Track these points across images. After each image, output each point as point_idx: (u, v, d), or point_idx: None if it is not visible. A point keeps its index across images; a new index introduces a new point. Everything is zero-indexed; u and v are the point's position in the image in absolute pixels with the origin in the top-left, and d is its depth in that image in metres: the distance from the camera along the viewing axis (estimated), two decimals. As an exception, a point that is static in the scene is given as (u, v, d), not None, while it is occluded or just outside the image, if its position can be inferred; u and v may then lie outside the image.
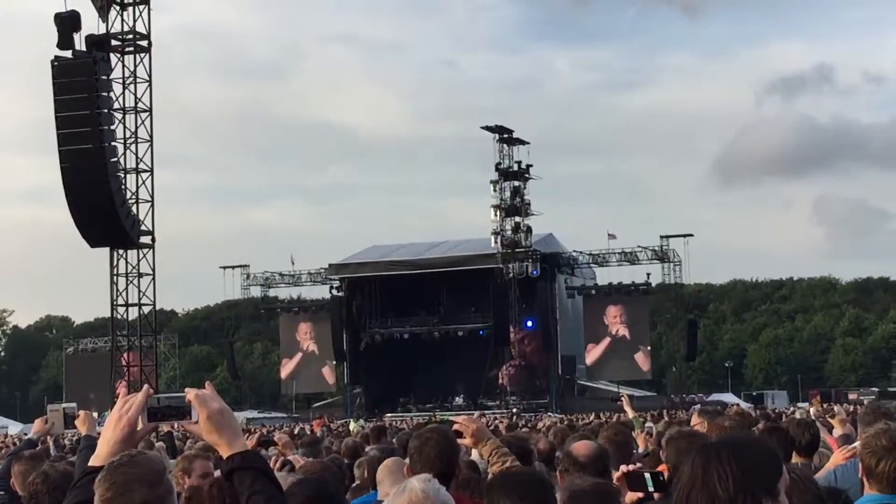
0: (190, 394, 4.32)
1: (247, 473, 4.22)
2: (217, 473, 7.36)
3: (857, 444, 7.43)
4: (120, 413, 4.39)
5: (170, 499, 4.19)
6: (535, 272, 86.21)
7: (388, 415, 76.75)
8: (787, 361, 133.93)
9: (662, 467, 8.06)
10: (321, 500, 5.79)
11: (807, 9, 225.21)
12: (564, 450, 7.34)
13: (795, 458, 9.41)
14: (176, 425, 4.83)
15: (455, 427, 7.00)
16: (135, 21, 68.47)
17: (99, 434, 4.67)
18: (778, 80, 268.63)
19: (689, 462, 3.97)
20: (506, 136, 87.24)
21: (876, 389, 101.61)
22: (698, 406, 70.69)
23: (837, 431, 12.84)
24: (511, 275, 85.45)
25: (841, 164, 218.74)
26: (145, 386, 4.57)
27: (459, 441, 7.04)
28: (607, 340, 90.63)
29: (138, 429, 4.41)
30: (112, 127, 65.14)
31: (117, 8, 68.26)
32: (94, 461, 4.40)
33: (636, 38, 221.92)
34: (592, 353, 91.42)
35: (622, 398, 18.05)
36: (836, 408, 22.92)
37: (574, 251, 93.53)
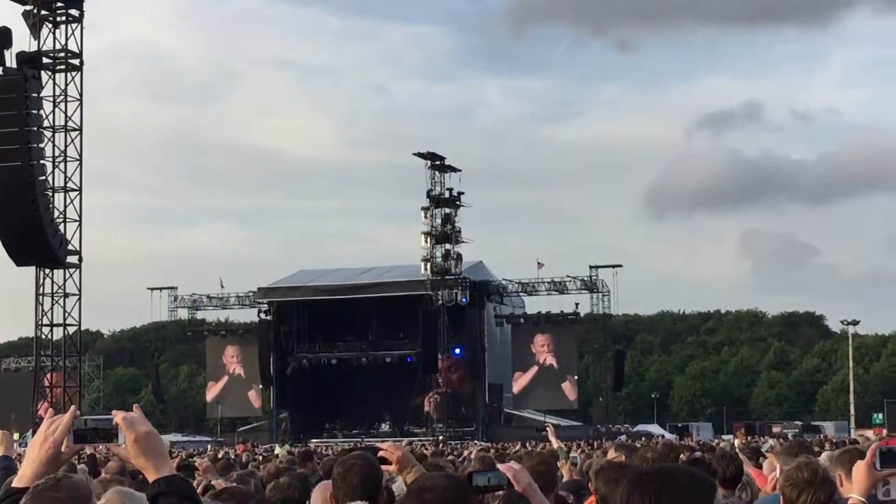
0: (118, 416, 4.26)
1: (172, 498, 4.17)
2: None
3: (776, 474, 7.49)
4: (45, 434, 4.31)
5: None
6: (464, 300, 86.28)
7: (314, 440, 76.39)
8: (713, 393, 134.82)
9: (591, 500, 8.09)
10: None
11: (738, 46, 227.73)
12: None
13: (719, 491, 9.44)
14: (100, 447, 4.78)
15: (380, 453, 6.95)
16: (67, 39, 67.96)
17: (16, 455, 4.60)
18: (708, 115, 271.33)
19: (621, 491, 3.96)
20: (437, 163, 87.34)
21: (800, 423, 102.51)
22: (623, 437, 71.05)
23: (766, 468, 12.88)
24: (440, 302, 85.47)
25: (769, 198, 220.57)
26: (72, 407, 4.48)
27: (384, 468, 6.99)
28: (534, 369, 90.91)
29: (63, 450, 4.33)
30: (41, 145, 64.55)
31: (49, 25, 67.68)
32: (17, 482, 4.34)
33: (569, 70, 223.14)
34: (519, 382, 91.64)
35: (547, 428, 18.09)
36: (770, 442, 23.09)
37: (503, 279, 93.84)
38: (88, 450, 22.69)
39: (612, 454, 11.55)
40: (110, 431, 4.27)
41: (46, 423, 4.35)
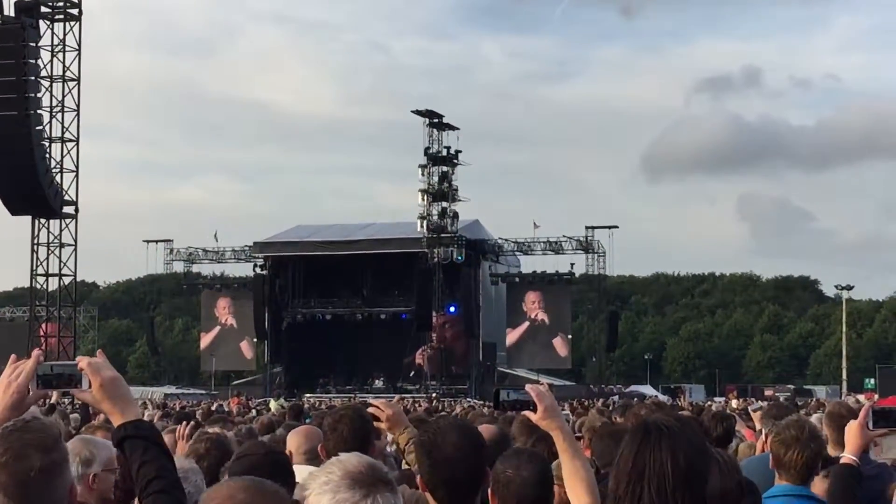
0: (82, 362, 4.28)
1: (138, 442, 4.21)
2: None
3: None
4: (9, 379, 4.31)
5: (65, 465, 4.12)
6: (459, 258, 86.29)
7: (308, 395, 76.58)
8: (706, 356, 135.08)
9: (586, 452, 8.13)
10: (276, 465, 5.72)
11: (738, 10, 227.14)
12: None
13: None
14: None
15: (370, 410, 6.93)
16: (66, -12, 67.64)
17: None
18: (707, 79, 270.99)
19: (629, 446, 4.04)
20: (436, 121, 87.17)
21: (792, 387, 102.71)
22: (615, 397, 71.27)
23: (757, 426, 12.96)
24: (436, 260, 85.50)
25: (767, 163, 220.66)
26: (35, 351, 4.49)
27: (375, 424, 6.97)
28: (526, 325, 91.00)
29: (28, 395, 4.32)
30: (38, 95, 64.39)
31: (48, -26, 67.38)
32: None
33: (569, 30, 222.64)
34: (511, 336, 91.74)
35: (543, 385, 18.09)
36: (758, 403, 23.16)
37: (499, 238, 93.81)
38: (77, 400, 22.74)
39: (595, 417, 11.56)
40: (75, 377, 4.30)
41: (9, 368, 4.35)
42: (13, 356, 4.44)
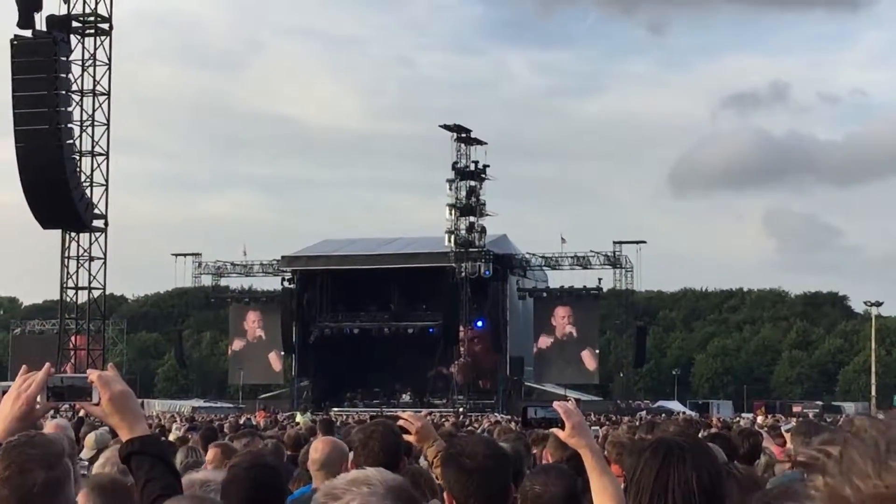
0: (92, 374, 4.28)
1: (145, 458, 4.21)
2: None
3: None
4: (19, 391, 4.30)
5: (67, 482, 4.11)
6: (487, 272, 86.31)
7: (335, 409, 76.64)
8: (734, 371, 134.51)
9: (616, 469, 8.16)
10: (263, 489, 5.74)
11: (766, 26, 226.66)
12: None
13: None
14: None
15: (400, 423, 6.97)
16: (96, 3, 67.98)
17: None
18: (734, 94, 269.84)
19: (646, 461, 4.10)
20: (464, 135, 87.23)
21: (820, 403, 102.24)
22: (643, 413, 71.08)
23: (789, 445, 12.95)
24: (463, 274, 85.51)
25: (794, 178, 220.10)
26: (46, 364, 4.46)
27: (405, 437, 7.01)
28: (554, 339, 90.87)
29: (37, 407, 4.32)
30: (69, 109, 64.75)
31: (79, -11, 67.77)
32: None
33: (595, 45, 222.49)
34: (540, 343, 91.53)
35: (570, 401, 18.08)
36: (790, 422, 23.08)
37: (527, 253, 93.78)
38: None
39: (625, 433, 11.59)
40: (85, 389, 4.29)
41: (20, 379, 4.34)
42: (24, 367, 4.43)
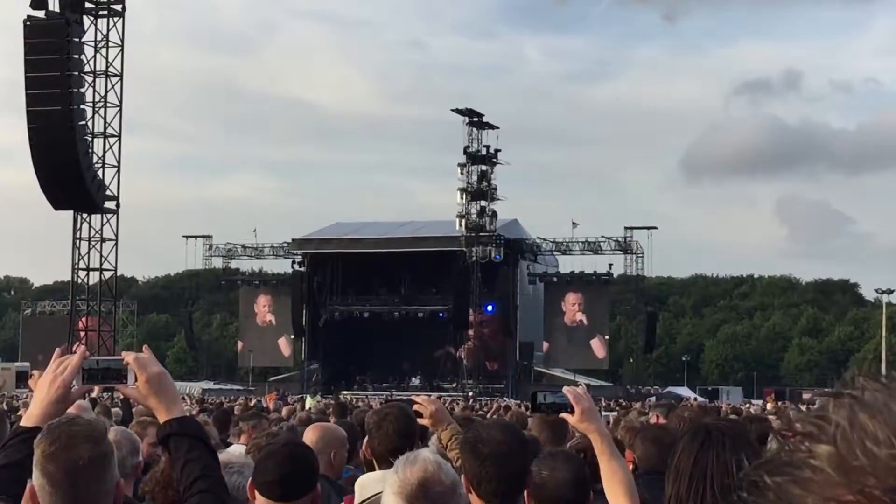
0: (128, 357, 4.28)
1: (183, 440, 4.20)
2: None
3: None
4: (55, 373, 4.30)
5: (113, 460, 4.12)
6: (497, 257, 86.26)
7: (344, 392, 76.68)
8: (744, 358, 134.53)
9: (630, 454, 8.15)
10: (300, 464, 5.74)
11: (780, 13, 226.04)
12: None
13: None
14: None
15: (415, 407, 6.96)
16: (109, -16, 67.96)
17: None
18: (748, 81, 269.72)
19: (687, 446, 4.12)
20: (475, 119, 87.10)
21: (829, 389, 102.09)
22: (652, 398, 71.08)
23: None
24: (474, 258, 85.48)
25: (806, 166, 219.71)
26: (81, 347, 4.45)
27: (419, 421, 7.00)
28: (565, 326, 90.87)
29: (73, 390, 4.33)
30: (82, 90, 64.69)
31: (92, -30, 67.73)
32: (25, 421, 4.30)
33: (609, 30, 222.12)
34: (550, 334, 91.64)
35: (581, 386, 18.07)
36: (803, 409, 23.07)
37: (538, 238, 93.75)
38: (117, 395, 22.82)
39: (653, 417, 11.58)
40: (121, 372, 4.30)
41: (55, 362, 4.34)
42: (58, 350, 4.44)
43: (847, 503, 1.05)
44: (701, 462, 4.11)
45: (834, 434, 1.09)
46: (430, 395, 7.82)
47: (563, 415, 5.23)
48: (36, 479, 4.00)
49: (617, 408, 31.86)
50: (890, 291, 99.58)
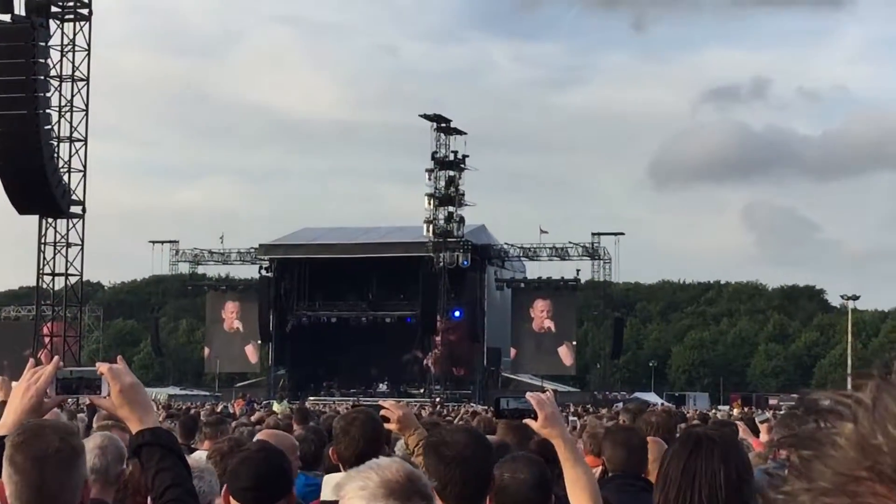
0: (102, 367, 4.27)
1: (155, 450, 4.21)
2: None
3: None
4: (28, 383, 4.31)
5: (82, 457, 4.11)
6: (465, 263, 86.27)
7: (311, 398, 76.54)
8: (711, 363, 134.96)
9: (592, 460, 8.11)
10: (273, 469, 5.70)
11: (748, 21, 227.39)
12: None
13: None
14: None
15: (382, 412, 6.94)
16: (76, -12, 67.70)
17: None
18: (715, 88, 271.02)
19: (676, 454, 4.13)
20: (443, 125, 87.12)
21: (796, 395, 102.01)
22: (620, 404, 71.20)
23: (764, 437, 12.96)
24: (441, 264, 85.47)
25: (773, 173, 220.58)
26: (55, 357, 4.49)
27: (386, 426, 6.98)
28: (533, 332, 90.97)
29: (46, 400, 4.33)
30: (47, 94, 64.49)
31: (59, -26, 67.46)
32: None
33: (578, 37, 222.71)
34: (517, 340, 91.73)
35: (547, 392, 18.07)
36: (764, 414, 23.14)
37: (505, 244, 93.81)
38: (83, 401, 22.70)
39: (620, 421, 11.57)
40: (94, 382, 4.30)
41: (29, 373, 4.35)
42: (31, 360, 4.44)
43: (858, 479, 1.08)
44: (690, 470, 4.12)
45: (857, 413, 1.12)
46: (400, 401, 7.79)
47: (527, 420, 5.22)
48: (3, 472, 4.00)
49: (584, 413, 31.91)
50: (856, 298, 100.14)
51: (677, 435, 7.00)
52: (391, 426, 6.95)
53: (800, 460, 1.14)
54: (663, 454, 4.38)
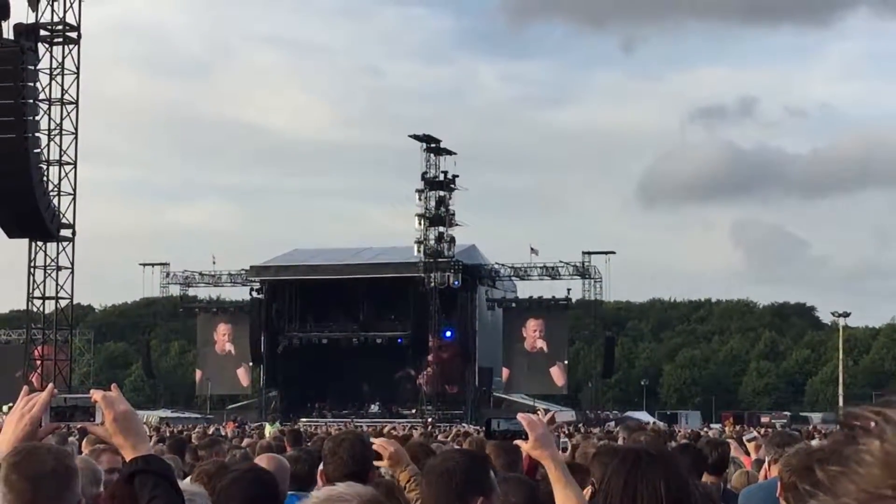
0: (96, 395, 4.26)
1: (148, 477, 4.18)
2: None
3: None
4: (22, 412, 4.30)
5: (76, 479, 4.13)
6: (456, 283, 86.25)
7: (303, 420, 76.42)
8: (702, 382, 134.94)
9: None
10: (263, 489, 5.69)
11: (735, 41, 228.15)
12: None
13: (706, 477, 9.51)
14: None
15: (374, 447, 6.92)
16: (65, 12, 67.71)
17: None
18: (703, 107, 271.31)
19: (615, 471, 4.11)
20: (433, 145, 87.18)
21: (788, 413, 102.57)
22: (611, 423, 71.17)
23: (752, 456, 12.95)
24: (432, 284, 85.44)
25: (762, 191, 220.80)
26: (49, 385, 4.47)
27: (377, 463, 6.94)
28: (525, 352, 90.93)
29: (40, 428, 4.33)
30: (36, 118, 64.46)
31: (47, -2, 67.48)
32: None
33: (566, 56, 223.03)
34: (509, 364, 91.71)
35: (539, 413, 18.04)
36: (752, 433, 23.15)
37: (496, 263, 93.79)
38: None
39: (620, 439, 11.56)
40: (88, 409, 4.28)
41: (23, 400, 4.34)
42: (25, 387, 4.44)
43: (883, 496, 1.08)
44: (630, 485, 4.15)
45: (884, 430, 1.12)
46: (393, 422, 7.77)
47: (518, 441, 5.21)
48: None
49: (576, 433, 31.88)
50: (846, 314, 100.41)
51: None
52: (382, 463, 6.94)
53: (827, 476, 1.14)
54: (604, 470, 4.39)
